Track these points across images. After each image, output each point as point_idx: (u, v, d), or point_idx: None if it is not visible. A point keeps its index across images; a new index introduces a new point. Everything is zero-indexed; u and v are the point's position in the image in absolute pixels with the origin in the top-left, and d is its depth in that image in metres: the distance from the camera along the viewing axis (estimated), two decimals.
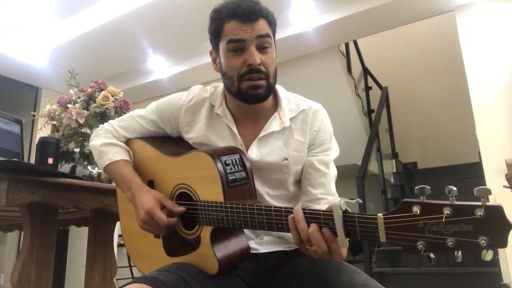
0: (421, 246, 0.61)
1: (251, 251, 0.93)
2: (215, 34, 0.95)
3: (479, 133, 3.14)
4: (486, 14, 3.31)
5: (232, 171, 0.88)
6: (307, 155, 1.00)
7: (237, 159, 0.91)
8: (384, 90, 5.26)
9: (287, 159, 0.97)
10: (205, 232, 0.88)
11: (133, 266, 3.19)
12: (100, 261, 1.65)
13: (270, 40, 0.93)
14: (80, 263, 2.56)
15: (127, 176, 1.01)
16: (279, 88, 1.03)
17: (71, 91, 1.92)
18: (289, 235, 0.98)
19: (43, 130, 1.99)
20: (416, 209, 0.62)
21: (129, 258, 3.09)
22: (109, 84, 1.98)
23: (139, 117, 1.10)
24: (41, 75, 4.50)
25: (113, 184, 1.71)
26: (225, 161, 0.88)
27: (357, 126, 4.82)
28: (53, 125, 1.90)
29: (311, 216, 0.73)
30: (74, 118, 1.75)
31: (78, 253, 2.54)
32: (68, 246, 2.33)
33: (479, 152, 3.17)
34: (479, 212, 0.57)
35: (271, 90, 0.96)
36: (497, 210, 0.56)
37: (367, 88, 5.28)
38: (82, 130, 1.84)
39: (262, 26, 0.91)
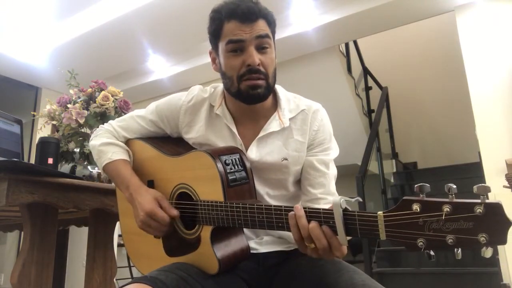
0: (421, 243, 0.62)
1: (251, 251, 0.93)
2: (215, 34, 0.95)
3: (479, 133, 3.14)
4: (486, 14, 3.31)
5: (232, 170, 0.88)
6: (307, 155, 1.00)
7: (237, 159, 0.91)
8: (384, 90, 5.26)
9: (286, 159, 0.98)
10: (205, 232, 0.88)
11: (133, 266, 3.20)
12: (100, 261, 1.65)
13: (270, 41, 0.93)
14: (80, 263, 2.56)
15: (125, 176, 1.01)
16: (278, 88, 1.03)
17: (71, 91, 1.92)
18: (288, 235, 0.98)
19: (43, 130, 1.99)
20: (416, 207, 0.62)
21: (128, 258, 3.10)
22: (109, 84, 1.98)
23: (139, 118, 1.10)
24: (41, 75, 4.50)
25: (113, 184, 1.71)
26: (225, 160, 0.88)
27: (357, 126, 4.82)
28: (53, 125, 1.90)
29: (312, 214, 0.74)
30: (74, 118, 1.75)
31: (78, 253, 2.54)
32: (68, 246, 2.33)
33: (479, 152, 3.17)
34: (479, 210, 0.57)
35: (270, 90, 0.96)
36: (497, 207, 0.57)
37: (367, 88, 5.28)
38: (82, 130, 1.84)
39: (261, 26, 0.91)
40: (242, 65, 0.91)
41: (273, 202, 0.99)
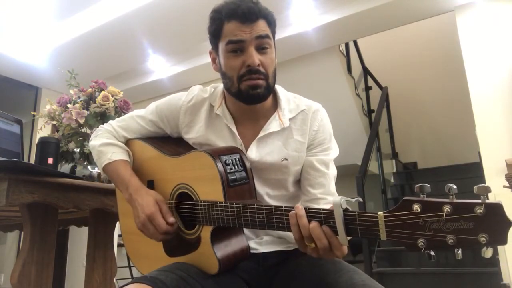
0: (422, 243, 0.62)
1: (251, 251, 0.93)
2: (215, 35, 0.95)
3: (479, 133, 3.14)
4: (486, 14, 3.31)
5: (232, 170, 0.88)
6: (307, 155, 1.00)
7: (237, 159, 0.91)
8: (384, 90, 5.26)
9: (286, 159, 0.98)
10: (205, 232, 0.88)
11: (133, 266, 3.20)
12: (100, 261, 1.65)
13: (270, 41, 0.93)
14: (80, 263, 2.56)
15: (125, 176, 1.00)
16: (278, 88, 1.03)
17: (71, 91, 1.92)
18: (288, 235, 0.98)
19: (43, 130, 1.99)
20: (416, 207, 0.62)
21: (128, 258, 3.10)
22: (109, 84, 1.98)
23: (139, 118, 1.10)
24: (41, 75, 4.50)
25: (113, 184, 1.71)
26: (225, 160, 0.88)
27: (357, 126, 4.82)
28: (53, 125, 1.90)
29: (312, 214, 0.74)
30: (74, 118, 1.75)
31: (78, 253, 2.54)
32: (68, 246, 2.33)
33: (479, 152, 3.17)
34: (479, 210, 0.58)
35: (270, 91, 0.96)
36: (497, 208, 0.57)
37: (367, 88, 5.28)
38: (82, 130, 1.84)
39: (261, 26, 0.91)
40: (242, 65, 0.91)
41: (273, 202, 0.99)
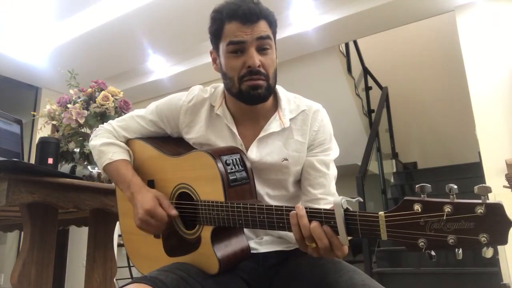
0: (422, 243, 0.62)
1: (251, 251, 0.93)
2: (215, 35, 0.95)
3: (479, 133, 3.14)
4: (486, 14, 3.31)
5: (232, 170, 0.88)
6: (307, 155, 1.00)
7: (237, 159, 0.91)
8: (384, 90, 5.26)
9: (287, 160, 0.98)
10: (206, 232, 0.88)
11: (133, 266, 3.19)
12: (100, 261, 1.65)
13: (270, 42, 0.93)
14: (80, 263, 2.56)
15: (126, 175, 1.01)
16: (279, 88, 1.03)
17: (71, 91, 1.92)
18: (289, 235, 0.98)
19: (43, 130, 1.99)
20: (417, 207, 0.62)
21: (128, 258, 3.10)
22: (109, 84, 1.98)
23: (139, 117, 1.10)
24: (41, 75, 4.50)
25: (113, 184, 1.71)
26: (226, 160, 0.88)
27: (357, 126, 4.82)
28: (53, 125, 1.90)
29: (313, 214, 0.74)
30: (74, 118, 1.75)
31: (78, 253, 2.54)
32: (68, 246, 2.33)
33: (479, 152, 3.17)
34: (480, 210, 0.58)
35: (271, 91, 0.96)
36: (498, 208, 0.57)
37: (367, 88, 5.28)
38: (82, 130, 1.84)
39: (262, 27, 0.91)
40: (243, 66, 0.91)
41: (273, 202, 0.99)
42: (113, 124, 1.12)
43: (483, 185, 0.57)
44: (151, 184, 1.02)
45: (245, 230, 0.94)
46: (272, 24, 0.95)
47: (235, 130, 0.99)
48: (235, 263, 0.89)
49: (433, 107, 5.56)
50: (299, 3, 3.53)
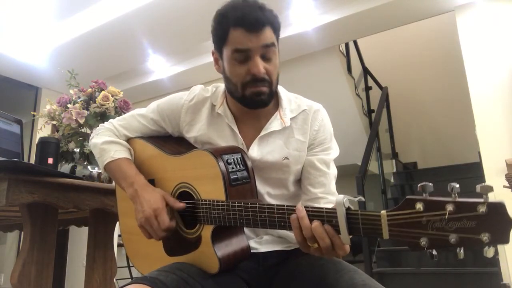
0: (424, 242, 0.62)
1: (251, 251, 0.93)
2: (220, 39, 0.93)
3: (479, 133, 3.14)
4: (486, 14, 3.31)
5: (234, 170, 0.88)
6: (307, 155, 1.01)
7: (238, 158, 0.91)
8: (384, 90, 5.26)
9: (287, 158, 0.98)
10: (206, 231, 0.88)
11: (132, 267, 3.19)
12: (100, 261, 1.65)
13: (275, 49, 0.93)
14: (80, 263, 2.56)
15: (130, 173, 1.00)
16: (280, 88, 1.04)
17: (71, 91, 1.92)
18: (289, 234, 0.99)
19: (43, 130, 1.99)
20: (419, 206, 0.62)
21: (127, 258, 3.09)
22: (109, 84, 1.98)
23: (140, 116, 1.10)
24: (41, 75, 4.50)
25: (113, 184, 1.71)
26: (227, 160, 0.89)
27: (357, 126, 4.82)
28: (53, 125, 1.90)
29: (314, 213, 0.74)
30: (74, 118, 1.75)
31: (78, 253, 2.53)
32: (68, 246, 2.33)
33: (479, 152, 3.17)
34: (482, 209, 0.57)
35: (273, 96, 0.97)
36: (499, 207, 0.57)
37: (367, 88, 5.28)
38: (82, 130, 1.84)
39: (267, 35, 0.91)
40: (247, 73, 0.91)
41: (273, 201, 0.99)
42: (114, 123, 1.13)
43: (485, 184, 0.57)
44: (151, 183, 1.02)
45: (245, 229, 0.94)
46: (277, 30, 0.94)
47: (236, 129, 0.99)
48: (235, 263, 0.89)
49: (433, 107, 5.56)
50: (299, 3, 3.53)
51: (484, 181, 2.98)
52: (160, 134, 1.11)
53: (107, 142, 1.07)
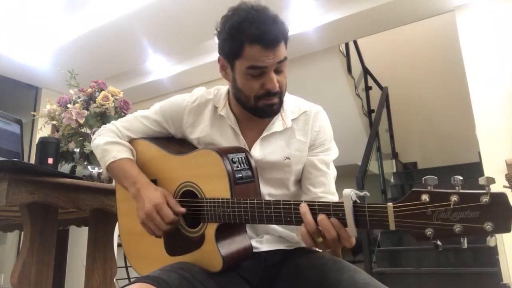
0: (430, 233, 0.64)
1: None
2: (233, 53, 0.92)
3: (479, 133, 3.14)
4: (486, 14, 3.31)
5: (238, 168, 0.89)
6: (308, 155, 1.02)
7: (243, 158, 0.93)
8: (384, 90, 5.26)
9: (289, 158, 1.00)
10: (210, 230, 0.89)
11: (129, 267, 3.17)
12: (100, 261, 1.65)
13: (286, 62, 0.94)
14: (80, 263, 2.56)
15: (132, 173, 1.01)
16: None
17: (71, 91, 1.92)
18: (289, 234, 0.99)
19: (43, 130, 1.99)
20: (424, 197, 0.65)
21: (125, 258, 3.09)
22: (109, 84, 1.98)
23: (143, 118, 1.11)
24: (41, 75, 4.50)
25: (113, 184, 1.71)
26: (232, 158, 0.90)
27: (357, 126, 4.82)
28: (53, 125, 1.90)
29: (321, 207, 0.75)
30: (74, 118, 1.75)
31: (78, 253, 2.53)
32: (68, 246, 2.33)
33: (479, 152, 3.17)
34: (485, 199, 0.60)
35: (282, 104, 0.99)
36: (502, 197, 0.60)
37: (367, 88, 5.28)
38: (82, 130, 1.84)
39: (282, 50, 0.92)
40: (261, 87, 0.93)
41: None
42: (116, 124, 1.13)
43: (487, 176, 0.61)
44: (154, 183, 1.02)
45: (246, 229, 0.95)
46: (287, 42, 0.95)
47: (238, 130, 1.01)
48: (238, 262, 0.90)
49: (433, 107, 5.56)
50: (299, 3, 3.53)
51: None
52: (162, 136, 1.11)
53: (109, 142, 1.08)
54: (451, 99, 5.22)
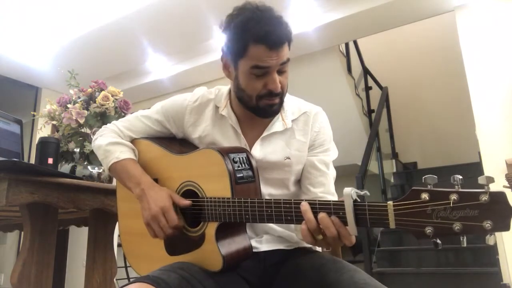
0: (429, 231, 0.64)
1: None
2: (237, 51, 0.93)
3: (479, 133, 3.14)
4: (486, 14, 3.31)
5: (239, 168, 0.90)
6: (308, 155, 1.03)
7: (244, 158, 0.93)
8: (384, 90, 5.26)
9: (289, 158, 1.00)
10: (210, 229, 0.89)
11: (129, 267, 3.18)
12: (100, 261, 1.65)
13: (288, 63, 0.95)
14: (80, 263, 2.56)
15: (135, 173, 1.01)
16: None
17: (71, 91, 1.92)
18: (289, 234, 0.99)
19: (43, 130, 1.99)
20: (424, 196, 0.65)
21: (125, 258, 3.09)
22: (109, 84, 1.98)
23: (144, 117, 1.11)
24: (41, 75, 4.49)
25: (113, 184, 1.71)
26: (233, 158, 0.90)
27: (357, 126, 4.82)
28: (53, 125, 1.90)
29: (321, 206, 0.76)
30: (74, 118, 1.75)
31: (78, 253, 2.54)
32: (68, 246, 2.33)
33: (479, 152, 3.17)
34: (484, 198, 0.61)
35: (282, 104, 1.00)
36: (501, 196, 0.61)
37: (367, 88, 5.28)
38: (82, 130, 1.84)
39: (285, 51, 0.93)
40: (264, 87, 0.93)
41: None
42: (117, 124, 1.13)
43: (487, 175, 0.61)
44: (155, 182, 1.03)
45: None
46: (291, 44, 0.96)
47: (239, 130, 1.02)
48: (238, 262, 0.90)
49: (433, 107, 5.56)
50: (299, 3, 3.53)
51: None
52: (164, 135, 1.12)
53: (112, 143, 1.08)
54: (451, 99, 5.21)
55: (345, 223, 0.73)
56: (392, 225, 0.68)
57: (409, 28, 4.26)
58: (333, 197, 1.02)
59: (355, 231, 0.73)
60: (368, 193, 0.75)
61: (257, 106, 0.96)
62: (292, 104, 1.06)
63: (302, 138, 1.02)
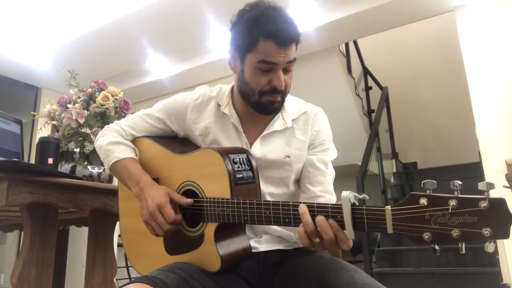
0: (427, 237, 0.63)
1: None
2: (246, 45, 0.93)
3: (479, 133, 3.14)
4: (486, 14, 3.31)
5: (239, 169, 0.90)
6: (307, 154, 1.04)
7: (244, 159, 0.93)
8: (384, 90, 5.26)
9: (289, 157, 1.01)
10: (209, 229, 0.89)
11: (130, 267, 3.18)
12: (100, 261, 1.65)
13: (294, 62, 0.96)
14: (80, 263, 2.56)
15: (135, 172, 1.01)
16: None
17: (71, 91, 1.92)
18: (288, 234, 0.99)
19: (43, 130, 1.99)
20: (423, 201, 0.64)
21: (126, 258, 3.09)
22: (109, 84, 1.98)
23: (146, 116, 1.11)
24: (41, 75, 4.49)
25: (113, 184, 1.71)
26: (233, 159, 0.90)
27: (357, 126, 4.82)
28: (53, 125, 1.90)
29: (319, 209, 0.76)
30: (74, 118, 1.75)
31: (78, 253, 2.53)
32: (68, 246, 2.32)
33: (479, 152, 3.16)
34: (483, 204, 0.59)
35: (283, 103, 1.01)
36: (500, 203, 0.59)
37: (367, 88, 5.28)
38: (82, 130, 1.84)
39: (293, 50, 0.94)
40: (268, 83, 0.94)
41: None
42: (119, 123, 1.14)
43: (486, 181, 0.59)
44: (156, 182, 1.03)
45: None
46: (298, 45, 0.97)
47: (240, 128, 1.02)
48: (236, 262, 0.90)
49: (433, 107, 5.56)
50: (299, 3, 3.53)
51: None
52: (166, 134, 1.12)
53: (112, 142, 1.08)
54: (451, 99, 5.21)
55: (342, 226, 0.73)
56: (389, 230, 0.67)
57: (409, 28, 4.25)
58: (331, 196, 1.03)
59: (352, 235, 0.72)
60: (367, 197, 0.75)
61: (258, 102, 0.96)
62: (292, 104, 1.07)
63: (302, 137, 1.03)
